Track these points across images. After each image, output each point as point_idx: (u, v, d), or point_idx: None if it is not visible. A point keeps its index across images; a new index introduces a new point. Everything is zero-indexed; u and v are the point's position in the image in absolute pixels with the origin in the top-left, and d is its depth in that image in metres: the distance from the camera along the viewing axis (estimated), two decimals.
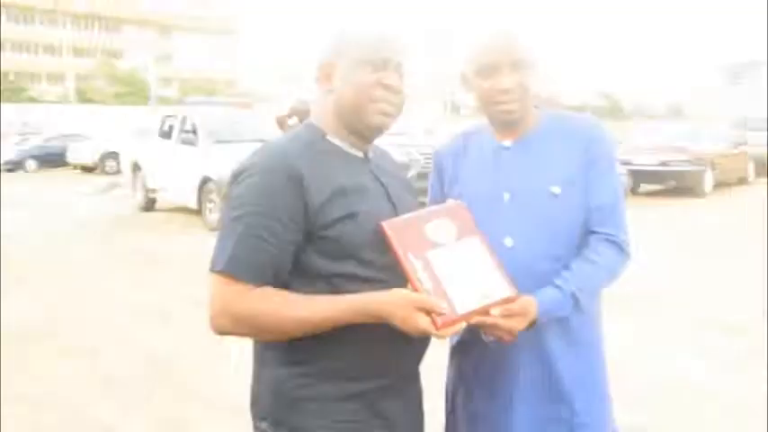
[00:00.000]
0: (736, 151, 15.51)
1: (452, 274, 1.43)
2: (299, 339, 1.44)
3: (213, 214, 10.35)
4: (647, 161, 13.88)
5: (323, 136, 1.57)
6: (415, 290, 1.38)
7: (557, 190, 1.66)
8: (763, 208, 10.58)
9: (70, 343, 5.22)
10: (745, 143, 16.01)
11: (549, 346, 1.67)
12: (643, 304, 5.81)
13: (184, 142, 11.31)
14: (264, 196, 1.43)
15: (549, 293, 1.58)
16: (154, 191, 12.46)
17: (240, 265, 1.41)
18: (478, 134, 1.83)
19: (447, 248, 1.47)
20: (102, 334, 5.45)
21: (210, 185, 10.37)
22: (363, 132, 1.57)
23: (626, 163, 13.31)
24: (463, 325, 1.40)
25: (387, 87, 1.51)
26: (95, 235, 10.34)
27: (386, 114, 1.53)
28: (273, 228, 1.42)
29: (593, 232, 1.67)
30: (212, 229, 10.28)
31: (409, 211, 1.59)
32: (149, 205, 12.73)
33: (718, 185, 14.66)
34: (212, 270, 1.44)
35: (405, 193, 1.65)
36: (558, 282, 1.60)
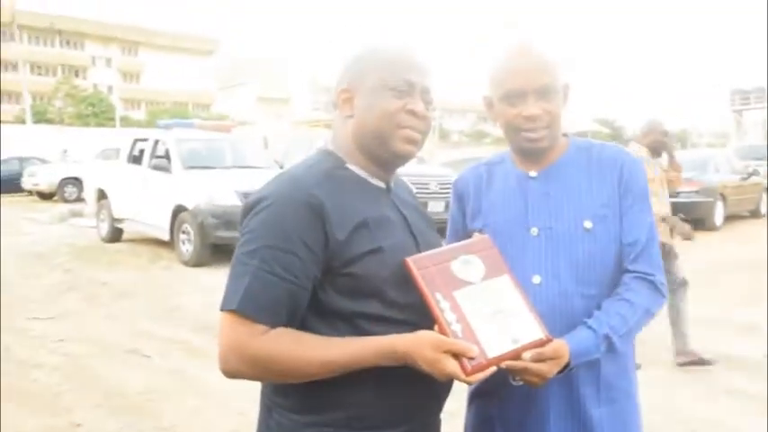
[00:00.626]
0: (747, 182, 15.69)
1: (481, 315, 1.44)
2: (314, 384, 1.43)
3: (186, 246, 10.30)
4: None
5: (343, 164, 1.58)
6: (443, 331, 1.39)
7: (589, 225, 1.68)
8: None
9: (27, 386, 5.14)
10: (757, 173, 16.16)
11: (580, 391, 1.68)
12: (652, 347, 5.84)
13: (156, 168, 11.25)
14: (281, 228, 1.42)
15: (581, 335, 1.58)
16: (121, 220, 12.37)
17: (255, 303, 1.40)
18: (501, 163, 1.86)
19: (475, 287, 1.48)
20: (67, 373, 5.37)
21: (185, 215, 10.31)
22: (387, 161, 1.58)
23: None
24: (493, 369, 1.40)
25: (413, 113, 1.53)
26: (54, 267, 10.22)
27: (412, 142, 1.55)
28: (291, 263, 1.41)
29: (627, 270, 1.69)
30: (185, 263, 10.22)
31: (431, 245, 1.60)
32: (115, 236, 12.63)
33: (730, 218, 14.81)
34: (224, 309, 1.44)
35: (425, 225, 1.67)
36: (590, 322, 1.61)
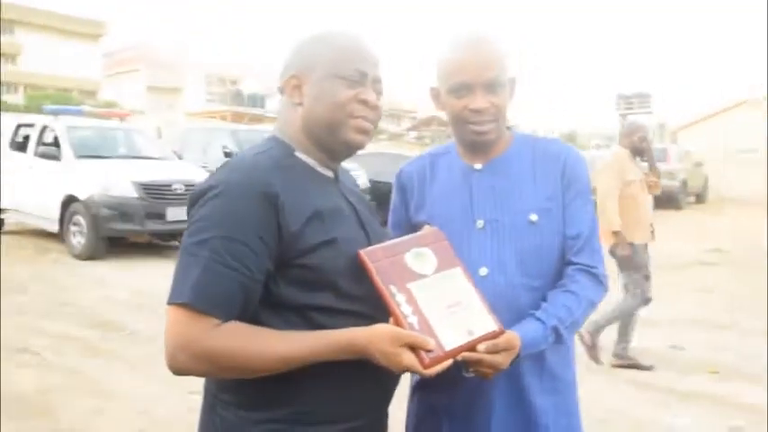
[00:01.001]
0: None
1: (436, 307, 1.44)
2: (262, 379, 1.40)
3: (78, 238, 9.82)
4: None
5: (291, 152, 1.55)
6: (399, 324, 1.38)
7: (534, 217, 1.71)
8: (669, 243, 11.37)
9: None
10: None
11: (525, 382, 1.71)
12: None
13: (44, 156, 10.67)
14: (233, 217, 1.38)
15: (530, 327, 1.61)
16: (3, 211, 11.64)
17: (206, 297, 1.35)
18: (446, 155, 1.87)
19: (429, 280, 1.48)
20: None
21: (76, 206, 9.82)
22: (338, 150, 1.56)
23: None
24: (450, 362, 1.41)
25: (364, 103, 1.52)
26: None
27: (364, 132, 1.53)
28: (243, 254, 1.37)
29: (570, 262, 1.73)
30: (76, 255, 9.75)
31: (379, 236, 1.60)
32: None
33: None
34: (172, 302, 1.36)
35: (371, 216, 1.66)
36: (538, 314, 1.64)
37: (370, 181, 12.83)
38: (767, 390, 4.77)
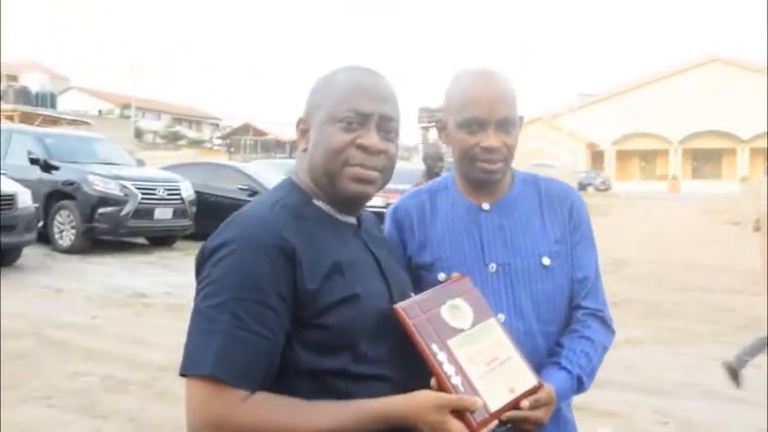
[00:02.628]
0: None
1: (477, 365, 1.39)
2: None
3: None
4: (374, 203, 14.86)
5: (309, 199, 1.44)
6: (443, 386, 1.32)
7: (547, 261, 1.68)
8: None
9: None
10: None
11: (548, 430, 1.66)
12: None
13: None
14: (251, 277, 1.27)
15: (559, 376, 1.58)
16: None
17: (232, 367, 1.24)
18: (445, 191, 1.79)
19: (466, 334, 1.42)
20: None
21: None
22: (341, 201, 1.45)
23: None
24: (495, 423, 1.35)
25: (363, 149, 1.40)
26: None
27: (363, 181, 1.41)
28: (265, 315, 1.27)
29: (579, 306, 1.71)
30: None
31: (401, 285, 1.52)
32: None
33: None
34: (192, 374, 1.24)
35: (394, 263, 1.57)
36: (563, 363, 1.61)
37: (196, 192, 12.28)
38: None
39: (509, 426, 1.43)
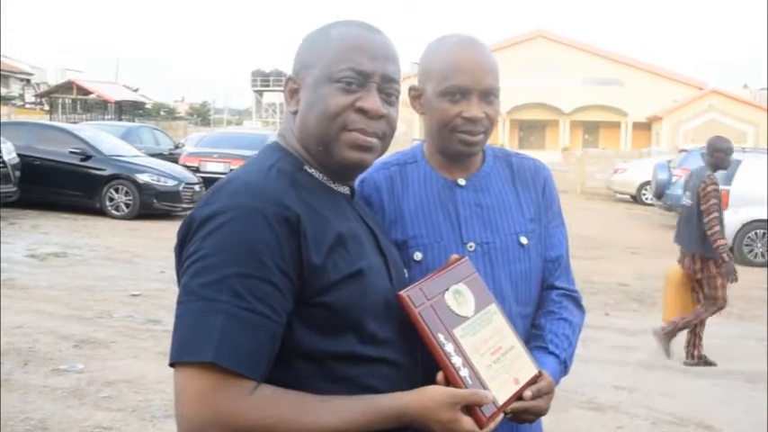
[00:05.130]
0: None
1: (482, 355, 1.34)
2: None
3: None
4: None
5: (301, 166, 1.31)
6: (453, 380, 1.26)
7: (525, 240, 1.64)
8: None
9: None
10: None
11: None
12: None
13: None
14: (249, 249, 1.13)
15: (550, 363, 1.54)
16: None
17: (236, 353, 1.10)
18: (415, 165, 1.69)
19: (470, 322, 1.36)
20: None
21: None
22: (334, 170, 1.33)
23: None
24: (501, 416, 1.30)
25: (363, 112, 1.28)
26: None
27: (363, 148, 1.30)
28: (268, 294, 1.14)
29: (553, 287, 1.68)
30: None
31: (397, 262, 1.44)
32: None
33: None
34: (189, 360, 1.09)
35: (386, 238, 1.47)
36: (551, 347, 1.57)
37: (20, 155, 11.19)
38: None
39: (509, 416, 1.37)
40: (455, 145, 1.60)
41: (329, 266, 1.19)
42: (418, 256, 1.57)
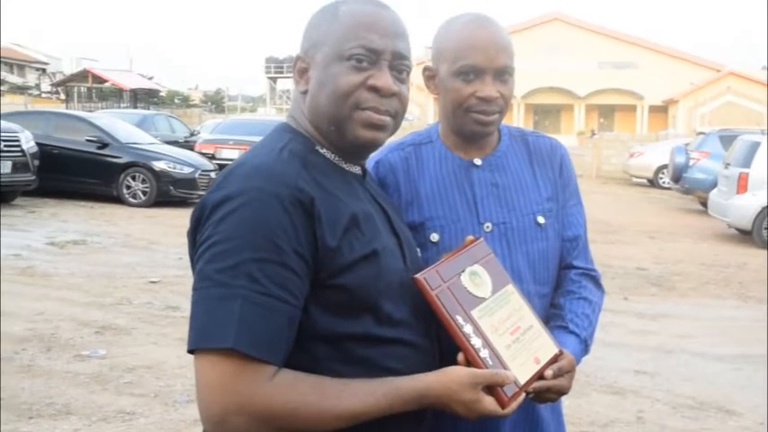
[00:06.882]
0: None
1: (501, 335, 1.33)
2: None
3: None
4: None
5: (312, 146, 1.30)
6: (473, 361, 1.26)
7: (542, 220, 1.63)
8: None
9: None
10: None
11: (538, 410, 1.60)
12: None
13: None
14: (265, 232, 1.13)
15: (571, 342, 1.54)
16: None
17: (256, 338, 1.09)
18: (429, 144, 1.68)
19: (488, 303, 1.36)
20: None
21: None
22: (346, 149, 1.32)
23: None
24: (523, 396, 1.30)
25: (375, 90, 1.27)
26: None
27: (376, 127, 1.29)
28: (285, 278, 1.13)
29: (572, 266, 1.67)
30: None
31: (411, 242, 1.43)
32: None
33: None
34: (208, 346, 1.10)
35: (399, 218, 1.45)
36: (571, 327, 1.57)
37: (38, 144, 11.26)
38: None
39: (531, 396, 1.37)
40: (470, 125, 1.59)
41: (344, 248, 1.19)
42: (435, 237, 1.57)
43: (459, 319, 1.27)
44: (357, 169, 1.35)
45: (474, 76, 1.54)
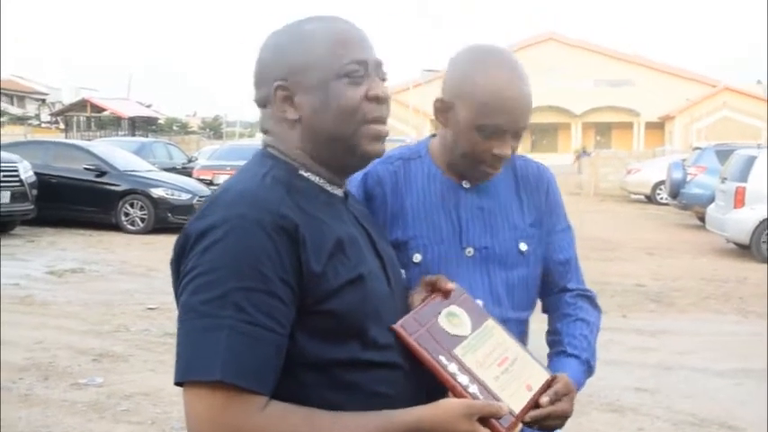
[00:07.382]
0: None
1: (488, 368, 1.33)
2: None
3: None
4: None
5: (296, 171, 1.29)
6: (460, 398, 1.24)
7: (524, 247, 1.62)
8: None
9: None
10: None
11: None
12: None
13: None
14: (252, 262, 1.12)
15: (571, 365, 1.53)
16: None
17: (245, 369, 1.08)
18: (419, 161, 1.66)
19: (469, 340, 1.36)
20: None
21: None
22: (351, 166, 1.34)
23: None
24: (520, 426, 1.29)
25: (377, 99, 1.28)
26: None
27: (380, 138, 1.30)
28: (271, 306, 1.12)
29: (566, 289, 1.68)
30: None
31: (395, 264, 1.42)
32: None
33: None
34: (196, 379, 1.08)
35: (382, 238, 1.45)
36: (569, 350, 1.57)
37: (36, 173, 11.30)
38: None
39: (535, 427, 1.36)
40: (477, 174, 1.59)
41: (330, 273, 1.18)
42: (417, 257, 1.56)
43: (443, 360, 1.27)
44: (340, 191, 1.35)
45: (494, 135, 1.52)
